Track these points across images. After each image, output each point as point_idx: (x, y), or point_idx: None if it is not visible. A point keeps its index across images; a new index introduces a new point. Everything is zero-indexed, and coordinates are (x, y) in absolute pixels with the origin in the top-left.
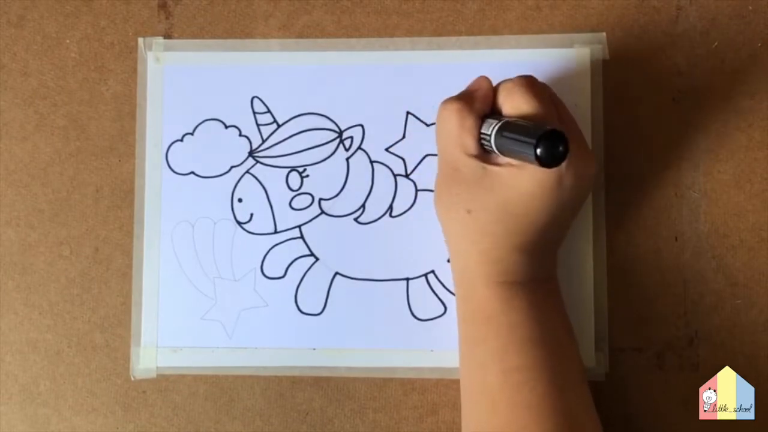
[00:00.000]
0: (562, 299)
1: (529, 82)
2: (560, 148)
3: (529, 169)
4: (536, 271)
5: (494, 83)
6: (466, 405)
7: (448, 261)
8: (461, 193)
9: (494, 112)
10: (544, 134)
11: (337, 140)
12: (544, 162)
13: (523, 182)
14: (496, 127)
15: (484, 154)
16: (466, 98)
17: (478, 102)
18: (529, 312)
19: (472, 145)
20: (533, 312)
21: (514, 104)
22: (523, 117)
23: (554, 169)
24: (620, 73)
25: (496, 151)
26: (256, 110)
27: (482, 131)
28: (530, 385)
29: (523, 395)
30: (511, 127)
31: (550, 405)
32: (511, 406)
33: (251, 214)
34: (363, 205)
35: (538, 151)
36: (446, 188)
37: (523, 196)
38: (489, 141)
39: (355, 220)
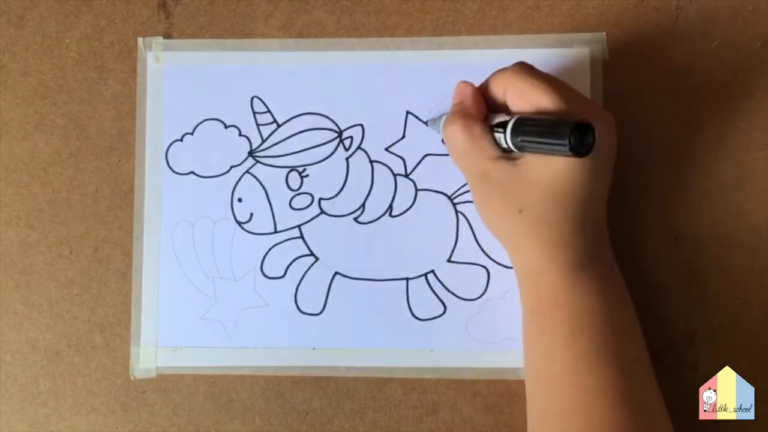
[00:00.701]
0: (624, 282)
1: (528, 68)
2: (590, 138)
3: None
4: (596, 248)
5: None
6: (532, 398)
7: (449, 261)
8: (503, 197)
9: (489, 106)
10: (574, 128)
11: (337, 140)
12: (579, 153)
13: (555, 162)
14: (509, 128)
15: (504, 152)
16: (459, 114)
17: (472, 110)
18: (597, 296)
19: (491, 147)
20: (601, 296)
21: (522, 95)
22: (536, 108)
23: None
24: (620, 73)
25: (514, 149)
26: (255, 110)
27: (494, 130)
28: (598, 371)
29: (590, 381)
30: (529, 127)
31: (619, 389)
32: (578, 393)
33: (251, 214)
34: (363, 205)
35: (571, 145)
36: (487, 200)
37: (562, 174)
38: (506, 143)
39: (355, 219)
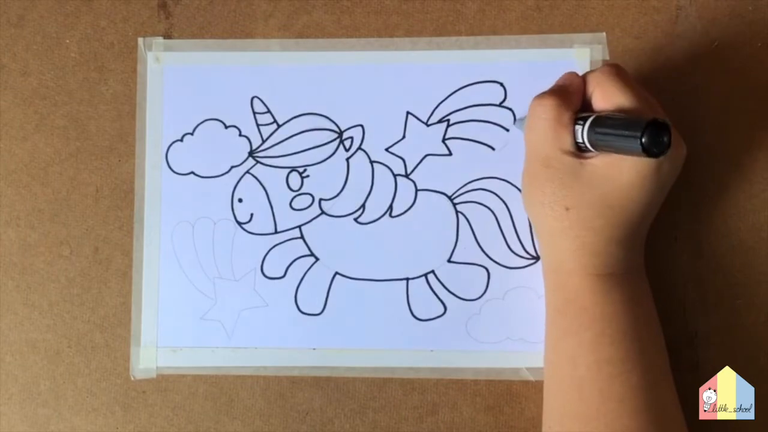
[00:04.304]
0: (651, 294)
1: (617, 71)
2: (665, 138)
3: (627, 160)
4: (630, 262)
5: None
6: (551, 398)
7: (449, 261)
8: (557, 190)
9: (584, 107)
10: (649, 124)
11: (337, 140)
12: (651, 152)
13: (623, 174)
14: (588, 123)
15: (577, 150)
16: (560, 93)
17: (574, 96)
18: (624, 304)
19: (568, 141)
20: (628, 304)
21: (606, 95)
22: (617, 108)
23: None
24: None
25: (589, 146)
26: (256, 110)
27: (575, 122)
28: (623, 378)
29: (615, 387)
30: (607, 122)
31: (642, 397)
32: (602, 398)
33: (251, 215)
34: (363, 205)
35: (644, 141)
36: (538, 186)
37: (623, 187)
38: (582, 137)
39: (355, 220)
